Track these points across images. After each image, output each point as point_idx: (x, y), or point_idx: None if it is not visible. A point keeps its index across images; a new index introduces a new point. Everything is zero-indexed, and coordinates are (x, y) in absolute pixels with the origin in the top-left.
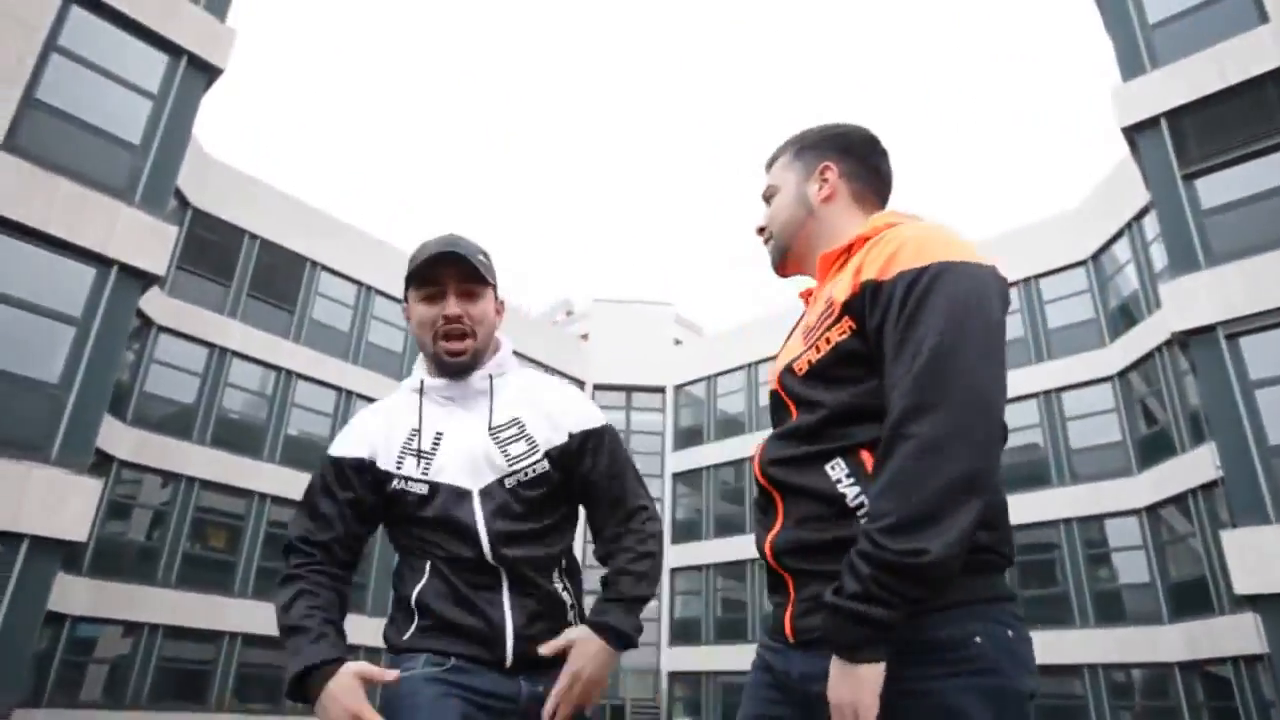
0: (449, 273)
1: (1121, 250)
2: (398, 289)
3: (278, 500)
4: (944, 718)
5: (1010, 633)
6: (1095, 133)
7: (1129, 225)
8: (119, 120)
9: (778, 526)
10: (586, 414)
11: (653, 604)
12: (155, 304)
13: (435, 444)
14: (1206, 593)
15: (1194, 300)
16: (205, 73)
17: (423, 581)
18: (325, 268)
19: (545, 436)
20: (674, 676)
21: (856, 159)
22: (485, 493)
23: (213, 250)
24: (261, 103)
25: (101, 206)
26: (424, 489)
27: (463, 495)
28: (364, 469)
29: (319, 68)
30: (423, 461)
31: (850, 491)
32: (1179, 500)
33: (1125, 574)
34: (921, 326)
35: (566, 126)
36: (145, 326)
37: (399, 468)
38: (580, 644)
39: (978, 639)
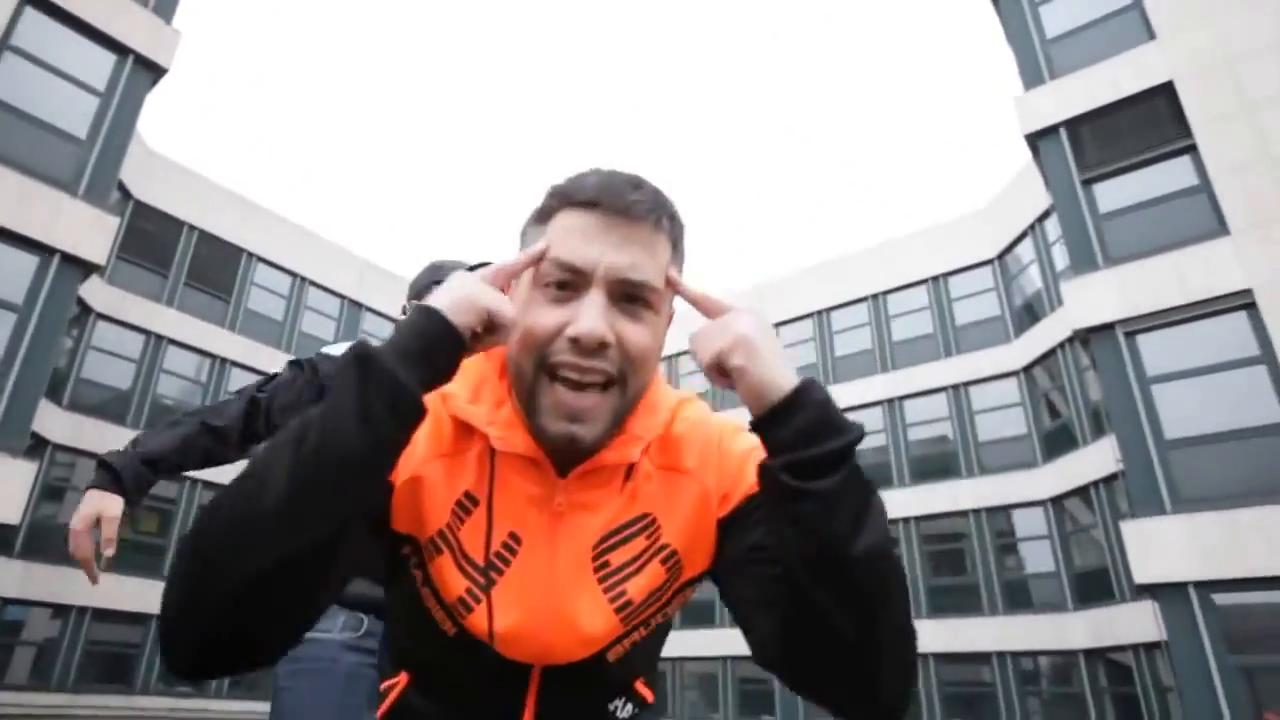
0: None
1: (1025, 251)
2: (331, 280)
3: (209, 485)
4: None
5: None
6: (1001, 138)
7: (1032, 227)
8: (66, 115)
9: None
10: None
11: None
12: (94, 292)
13: None
14: (1108, 581)
15: (1094, 299)
16: (151, 71)
17: None
18: (260, 259)
19: None
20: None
21: None
22: None
23: (152, 240)
24: (207, 98)
25: (46, 197)
26: None
27: None
28: None
29: (262, 63)
30: None
31: None
32: (1082, 492)
33: (1032, 563)
34: None
35: (552, 98)
36: (84, 313)
37: None
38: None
39: None
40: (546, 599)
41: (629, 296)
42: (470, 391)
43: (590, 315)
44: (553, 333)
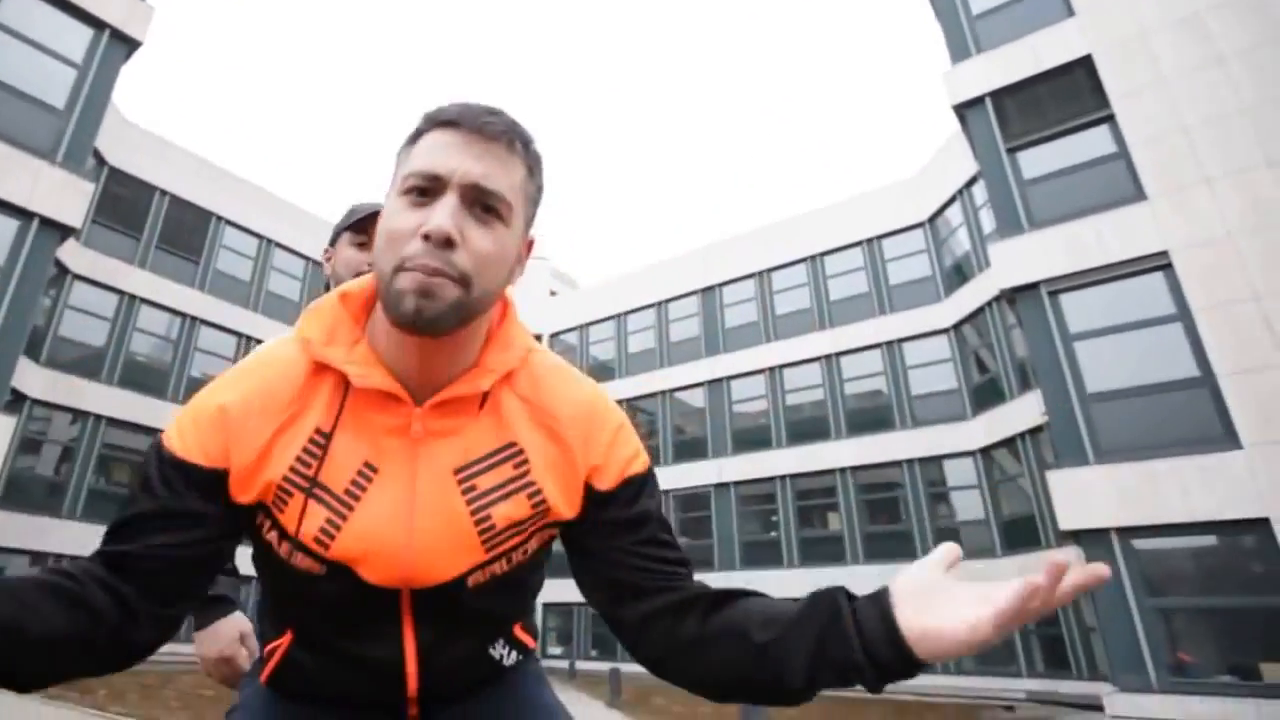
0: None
1: (955, 214)
2: (296, 242)
3: None
4: None
5: None
6: (932, 108)
7: (961, 192)
8: (45, 87)
9: None
10: None
11: None
12: (71, 254)
13: None
14: (1035, 528)
15: (1019, 260)
16: (125, 44)
17: None
18: (229, 222)
19: None
20: (548, 607)
21: None
22: None
23: (125, 204)
24: (180, 69)
25: (26, 164)
26: None
27: None
28: None
29: (232, 35)
30: None
31: None
32: (1009, 443)
33: (962, 511)
34: None
35: (446, 69)
36: (61, 274)
37: None
38: None
39: None
40: (408, 518)
41: (483, 205)
42: (325, 335)
43: (441, 214)
44: (409, 232)
